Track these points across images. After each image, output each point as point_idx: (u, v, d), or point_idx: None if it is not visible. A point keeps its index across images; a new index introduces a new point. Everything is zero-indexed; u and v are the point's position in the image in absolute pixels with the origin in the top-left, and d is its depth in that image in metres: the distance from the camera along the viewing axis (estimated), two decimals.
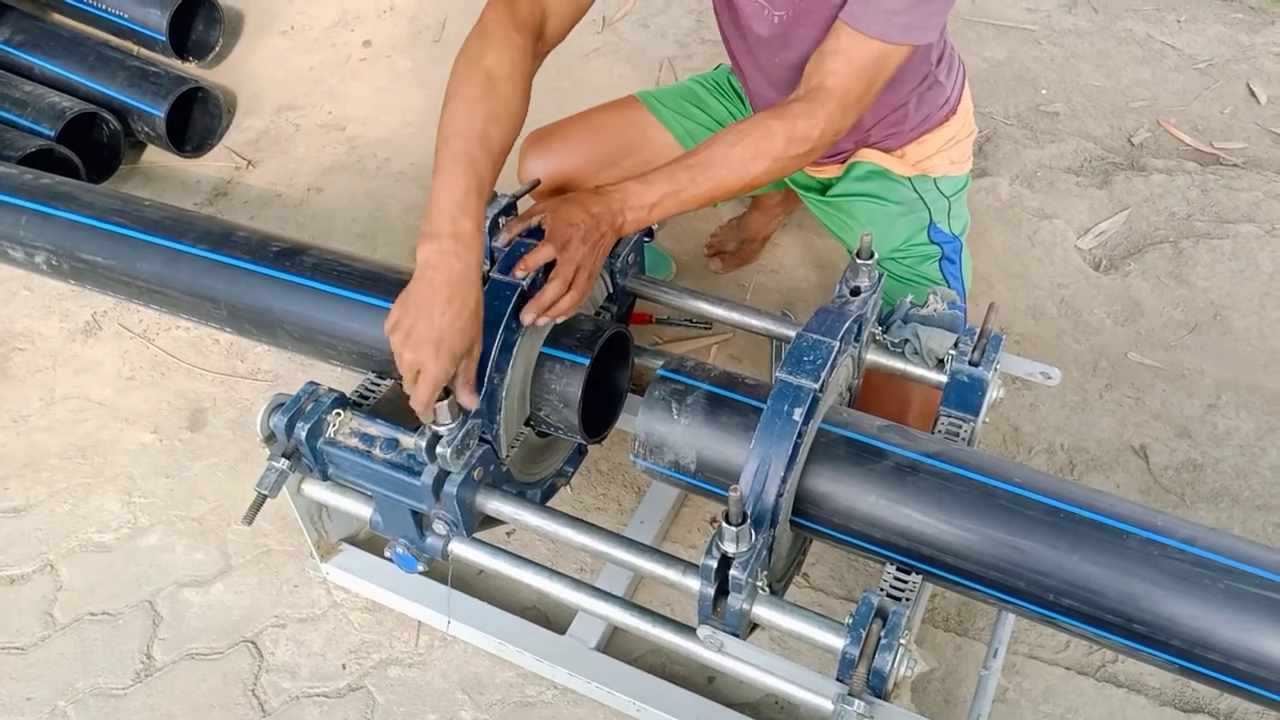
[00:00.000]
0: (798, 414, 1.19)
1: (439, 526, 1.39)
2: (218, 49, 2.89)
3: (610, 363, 1.51)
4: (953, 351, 1.40)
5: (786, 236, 2.33)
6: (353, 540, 1.78)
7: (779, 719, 1.59)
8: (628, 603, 1.39)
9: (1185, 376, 2.03)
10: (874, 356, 1.46)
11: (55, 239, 1.77)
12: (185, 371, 2.16)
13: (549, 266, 1.34)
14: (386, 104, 2.78)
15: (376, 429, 1.39)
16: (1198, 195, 2.36)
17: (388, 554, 1.46)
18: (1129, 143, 2.52)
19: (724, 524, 1.14)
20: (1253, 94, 2.62)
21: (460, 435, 1.28)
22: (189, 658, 1.72)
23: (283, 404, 1.42)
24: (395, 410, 1.49)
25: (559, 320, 1.37)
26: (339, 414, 1.41)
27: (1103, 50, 2.77)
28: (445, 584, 1.64)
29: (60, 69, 2.67)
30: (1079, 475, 1.88)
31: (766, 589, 1.22)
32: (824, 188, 1.81)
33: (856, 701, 1.14)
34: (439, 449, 1.27)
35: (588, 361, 1.38)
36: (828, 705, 1.18)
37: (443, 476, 1.31)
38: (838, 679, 1.17)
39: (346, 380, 1.59)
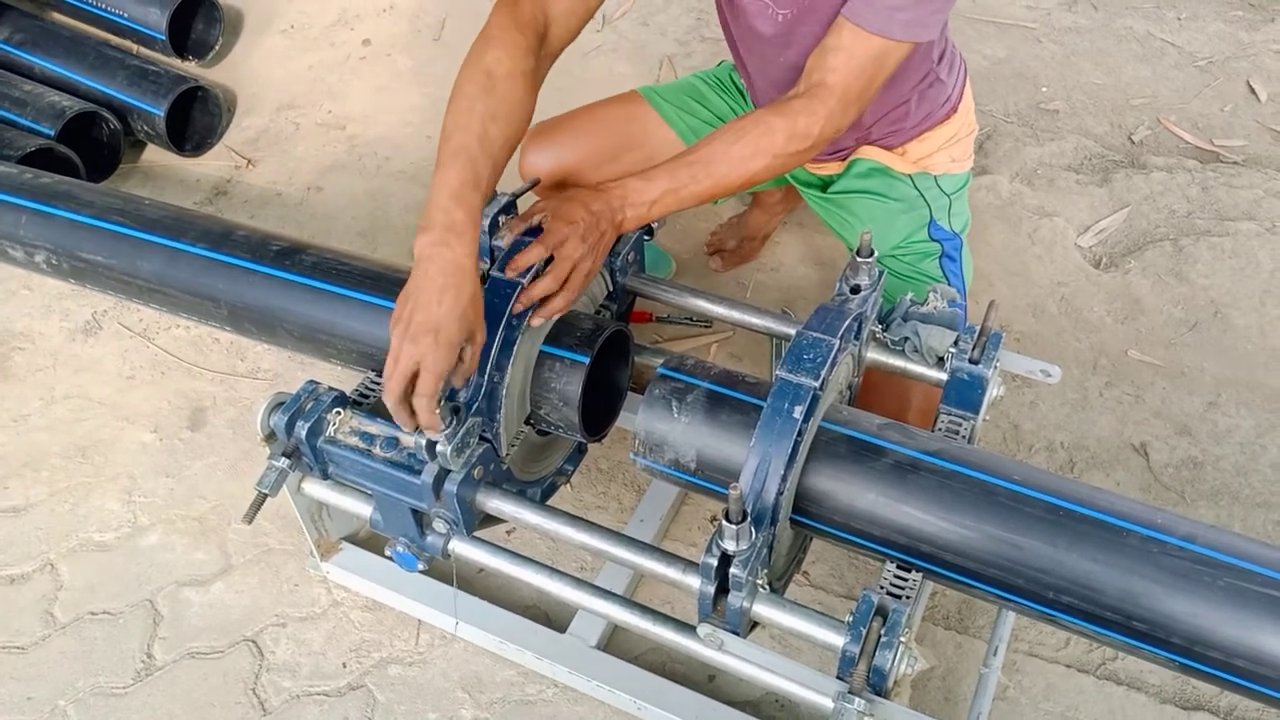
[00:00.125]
0: (798, 412, 1.19)
1: (439, 525, 1.39)
2: (217, 48, 2.89)
3: (610, 361, 1.51)
4: (953, 349, 1.40)
5: (786, 234, 2.33)
6: (353, 539, 1.78)
7: (779, 717, 1.59)
8: (628, 601, 1.39)
9: (1185, 374, 2.03)
10: (874, 354, 1.46)
11: (55, 238, 1.77)
12: (185, 371, 2.16)
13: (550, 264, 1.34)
14: (386, 103, 2.78)
15: (377, 427, 1.39)
16: (1198, 193, 2.36)
17: (388, 553, 1.46)
18: (1129, 140, 2.52)
19: (724, 522, 1.14)
20: (1253, 91, 2.62)
21: (460, 434, 1.28)
22: (189, 657, 1.72)
23: (283, 403, 1.42)
24: None
25: (553, 318, 1.37)
26: (339, 413, 1.41)
27: (1103, 48, 2.77)
28: (446, 583, 1.65)
29: (60, 68, 2.67)
30: (1079, 473, 1.88)
31: (767, 587, 1.22)
32: (825, 185, 1.81)
33: (857, 699, 1.14)
34: (439, 447, 1.27)
35: (588, 360, 1.38)
36: (828, 703, 1.18)
37: (443, 475, 1.31)
38: (838, 677, 1.17)
39: (346, 379, 1.59)
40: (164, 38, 2.71)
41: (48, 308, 2.30)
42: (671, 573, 1.27)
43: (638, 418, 1.33)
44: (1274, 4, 2.87)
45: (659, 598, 1.73)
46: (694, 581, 1.22)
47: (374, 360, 1.54)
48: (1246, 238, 2.24)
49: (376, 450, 1.36)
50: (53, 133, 2.45)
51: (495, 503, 1.37)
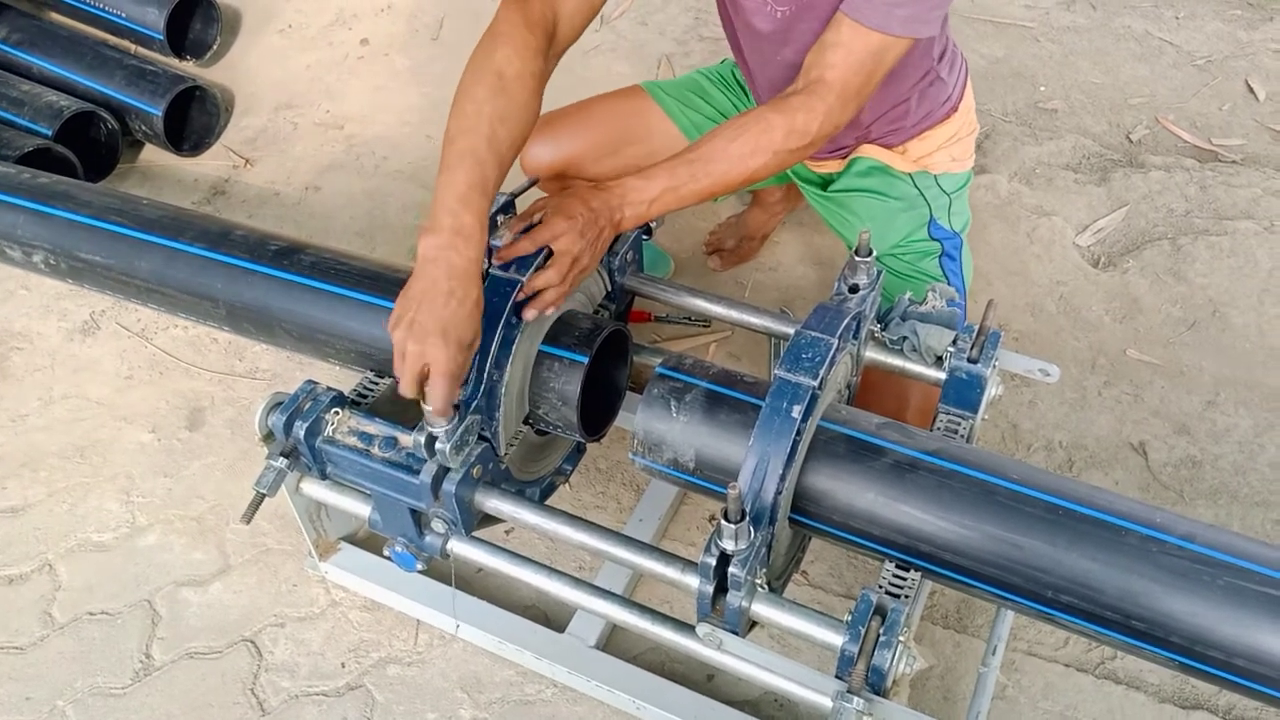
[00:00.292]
0: (796, 411, 1.19)
1: (438, 525, 1.39)
2: (215, 48, 2.89)
3: (609, 361, 1.50)
4: (951, 348, 1.40)
5: (785, 234, 2.33)
6: (351, 539, 1.78)
7: (778, 716, 1.59)
8: (627, 601, 1.39)
9: (1184, 373, 2.03)
10: (873, 354, 1.46)
11: (53, 238, 1.77)
12: (183, 370, 2.16)
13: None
14: (384, 102, 2.77)
15: (375, 427, 1.39)
16: (1196, 192, 2.36)
17: (386, 553, 1.46)
18: (1127, 140, 2.52)
19: (723, 521, 1.13)
20: (1251, 91, 2.62)
21: (459, 431, 1.28)
22: (188, 657, 1.72)
23: (281, 403, 1.42)
24: (394, 409, 1.48)
25: (549, 313, 1.37)
26: (337, 412, 1.41)
27: (1101, 47, 2.77)
28: (445, 583, 1.65)
29: (58, 68, 2.67)
30: (1078, 472, 1.88)
31: (765, 586, 1.22)
32: (825, 183, 1.81)
33: (855, 699, 1.14)
34: (438, 445, 1.27)
35: (586, 359, 1.38)
36: (827, 702, 1.18)
37: (441, 474, 1.31)
38: (837, 676, 1.17)
39: (345, 379, 1.59)
40: (162, 37, 2.70)
41: (46, 308, 2.30)
42: (670, 572, 1.27)
43: (636, 417, 1.33)
44: (1272, 3, 2.87)
45: (658, 597, 1.73)
46: (693, 581, 1.22)
47: (372, 360, 1.53)
48: (1245, 237, 2.25)
49: (375, 450, 1.36)
50: (50, 132, 2.44)
51: (494, 502, 1.37)
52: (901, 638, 1.14)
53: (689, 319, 2.17)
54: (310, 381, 1.44)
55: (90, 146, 2.59)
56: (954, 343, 1.40)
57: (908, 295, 1.47)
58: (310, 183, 2.59)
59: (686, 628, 1.31)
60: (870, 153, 1.72)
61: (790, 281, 2.25)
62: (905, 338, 1.43)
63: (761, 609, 1.21)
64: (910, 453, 1.24)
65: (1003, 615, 1.55)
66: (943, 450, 1.24)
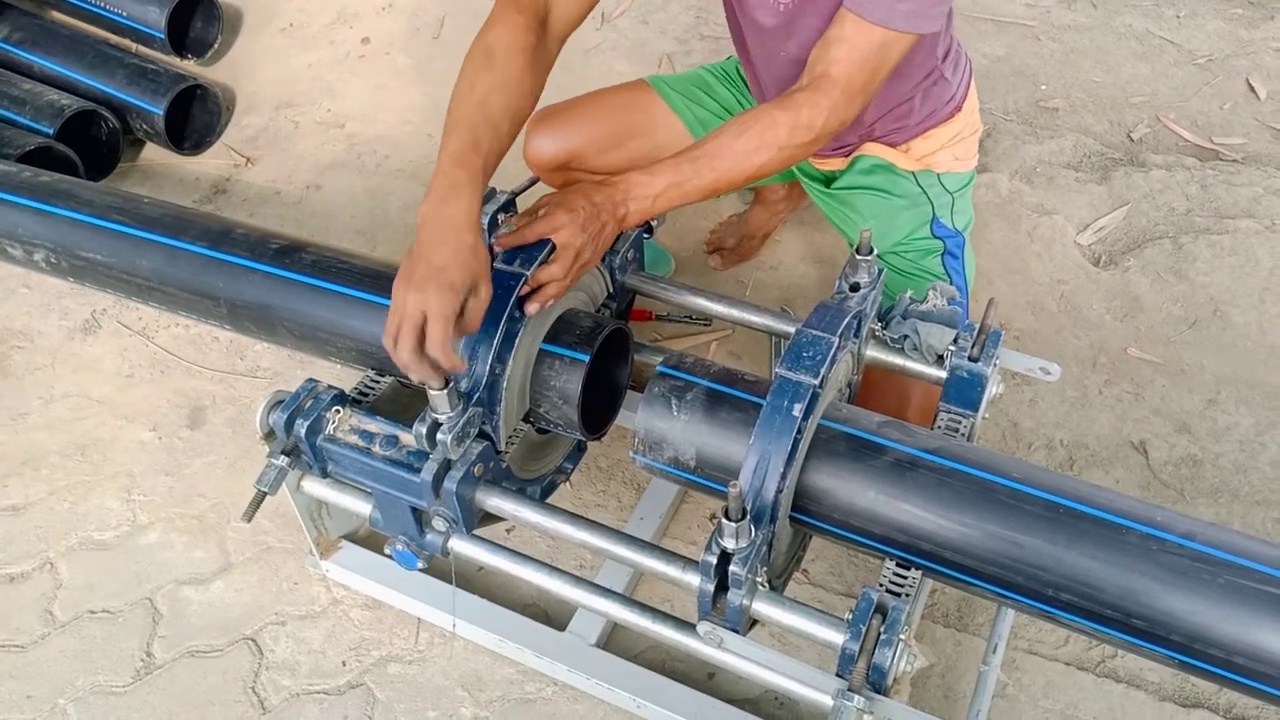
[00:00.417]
0: (797, 410, 1.19)
1: (438, 523, 1.39)
2: (216, 46, 2.89)
3: (610, 359, 1.51)
4: (952, 347, 1.40)
5: (786, 233, 2.33)
6: (352, 537, 1.78)
7: (779, 715, 1.59)
8: (628, 599, 1.39)
9: (1185, 372, 2.03)
10: (873, 352, 1.46)
11: (54, 236, 1.77)
12: (184, 369, 2.16)
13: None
14: (385, 101, 2.78)
15: (376, 426, 1.39)
16: (1197, 191, 2.35)
17: (387, 551, 1.46)
18: (1128, 138, 2.52)
19: (724, 520, 1.14)
20: (1252, 89, 2.62)
21: (461, 423, 1.28)
22: (189, 655, 1.72)
23: (282, 401, 1.42)
24: (395, 407, 1.49)
25: (550, 308, 1.37)
26: (338, 411, 1.41)
27: (1102, 46, 2.77)
28: (445, 581, 1.65)
29: (59, 67, 2.67)
30: (1078, 471, 1.88)
31: (766, 585, 1.22)
32: (828, 180, 1.81)
33: (856, 697, 1.14)
34: (439, 435, 1.27)
35: (587, 358, 1.38)
36: (828, 701, 1.18)
37: (443, 472, 1.31)
38: (837, 674, 1.17)
39: (346, 377, 1.59)
40: (163, 36, 2.71)
41: (47, 306, 2.30)
42: (671, 571, 1.27)
43: (637, 416, 1.33)
44: (1273, 1, 2.87)
45: (659, 596, 1.73)
46: (693, 579, 1.22)
47: (373, 358, 1.54)
48: (1246, 235, 2.24)
49: (376, 448, 1.36)
50: (52, 131, 2.44)
51: (495, 500, 1.37)
52: (902, 636, 1.14)
53: (690, 317, 2.17)
54: (311, 380, 1.44)
55: (91, 145, 2.59)
56: (955, 341, 1.40)
57: (909, 294, 1.47)
58: (311, 181, 2.59)
59: (687, 626, 1.31)
60: (874, 150, 1.72)
61: (791, 280, 2.25)
62: (906, 336, 1.43)
63: (762, 607, 1.21)
64: (911, 451, 1.24)
65: (1003, 614, 1.55)
66: (943, 449, 1.24)
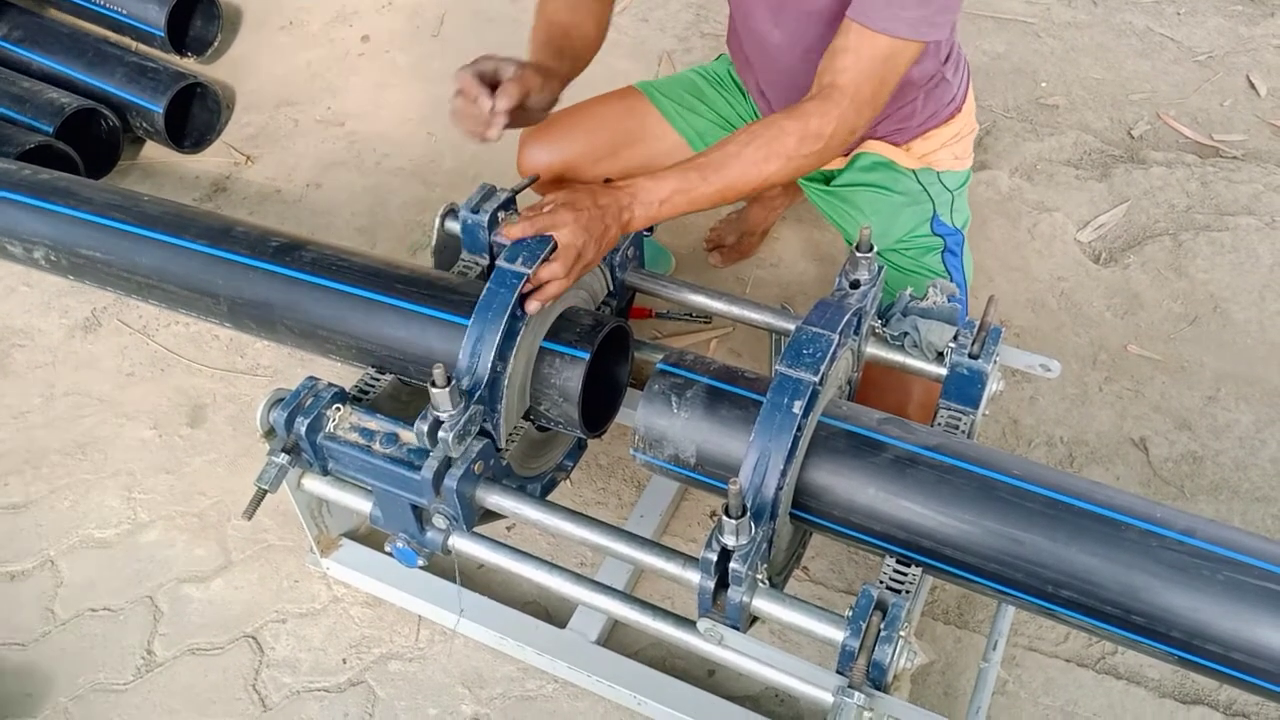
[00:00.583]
0: (797, 407, 1.19)
1: (439, 521, 1.39)
2: (216, 44, 2.89)
3: (610, 357, 1.51)
4: (952, 344, 1.40)
5: (786, 230, 2.33)
6: (353, 535, 1.78)
7: (779, 712, 1.59)
8: (628, 596, 1.39)
9: (1185, 369, 2.03)
10: (874, 349, 1.46)
11: (54, 234, 1.77)
12: (185, 367, 2.16)
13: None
14: (385, 99, 2.77)
15: (376, 424, 1.39)
16: (1197, 188, 2.35)
17: (388, 549, 1.46)
18: (1129, 135, 2.52)
19: (724, 517, 1.14)
20: (1252, 86, 2.62)
21: (462, 420, 1.28)
22: (190, 653, 1.72)
23: (282, 399, 1.42)
24: (395, 405, 1.49)
25: (550, 305, 1.37)
26: (339, 409, 1.41)
27: (1102, 43, 2.77)
28: (446, 578, 1.65)
29: (59, 65, 2.67)
30: (1078, 468, 1.88)
31: (766, 582, 1.22)
32: (827, 178, 1.81)
33: (856, 694, 1.14)
34: (440, 433, 1.27)
35: (588, 355, 1.38)
36: (828, 698, 1.18)
37: (443, 470, 1.31)
38: (838, 671, 1.17)
39: (346, 375, 1.59)
40: (163, 34, 2.70)
41: (47, 304, 2.30)
42: (671, 568, 1.27)
43: (637, 413, 1.33)
44: None
45: (659, 593, 1.73)
46: (694, 576, 1.22)
47: (373, 356, 1.53)
48: (1246, 232, 2.24)
49: (376, 446, 1.36)
50: (51, 129, 2.44)
51: (495, 498, 1.37)
52: (902, 633, 1.14)
53: (690, 315, 2.17)
54: (311, 378, 1.44)
55: (91, 143, 2.59)
56: (955, 338, 1.40)
57: (909, 291, 1.47)
58: (311, 179, 2.59)
59: (687, 623, 1.31)
60: (874, 148, 1.72)
61: (791, 277, 2.25)
62: (906, 333, 1.43)
63: (762, 604, 1.21)
64: (911, 448, 1.24)
65: (1003, 610, 1.55)
66: (943, 446, 1.24)
